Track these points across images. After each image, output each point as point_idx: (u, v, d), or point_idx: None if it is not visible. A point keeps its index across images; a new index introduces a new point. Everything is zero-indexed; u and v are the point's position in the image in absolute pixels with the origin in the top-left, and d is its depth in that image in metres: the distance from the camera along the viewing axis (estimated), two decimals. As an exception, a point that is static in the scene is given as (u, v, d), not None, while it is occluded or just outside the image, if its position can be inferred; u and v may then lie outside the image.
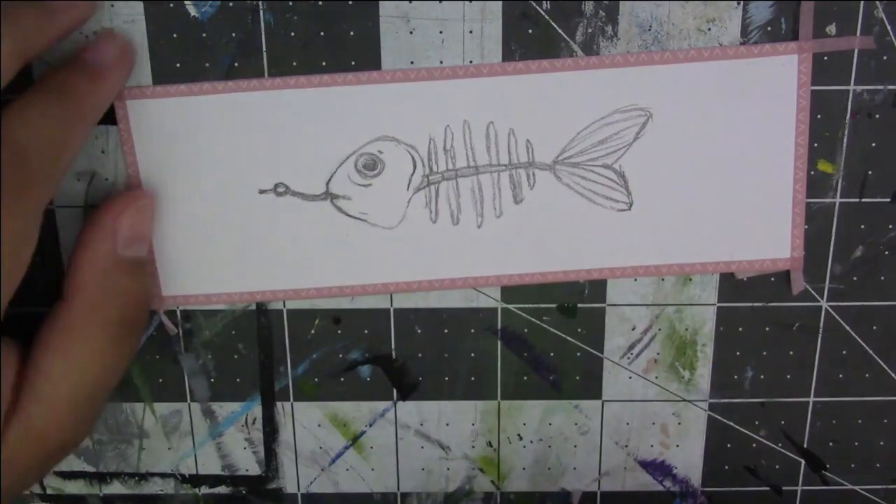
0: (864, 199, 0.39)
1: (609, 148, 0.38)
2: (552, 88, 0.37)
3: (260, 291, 0.40)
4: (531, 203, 0.39)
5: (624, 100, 0.37)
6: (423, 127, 0.37)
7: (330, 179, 0.38)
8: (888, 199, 0.39)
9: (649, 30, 0.37)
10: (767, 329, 0.41)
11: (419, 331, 0.42)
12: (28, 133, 0.31)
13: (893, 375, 0.42)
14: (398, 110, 0.37)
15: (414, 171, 0.38)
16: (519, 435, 0.43)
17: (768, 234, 0.39)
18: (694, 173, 0.38)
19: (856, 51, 0.37)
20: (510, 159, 0.38)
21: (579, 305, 0.41)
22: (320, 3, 0.36)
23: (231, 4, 0.36)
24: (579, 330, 0.41)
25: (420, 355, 0.42)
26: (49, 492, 0.45)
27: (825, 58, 0.37)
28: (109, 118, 0.37)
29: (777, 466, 0.44)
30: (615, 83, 0.37)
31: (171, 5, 0.36)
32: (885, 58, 0.37)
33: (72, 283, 0.35)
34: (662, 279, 0.40)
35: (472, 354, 0.42)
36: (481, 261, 0.39)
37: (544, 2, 0.36)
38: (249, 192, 0.38)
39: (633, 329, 0.41)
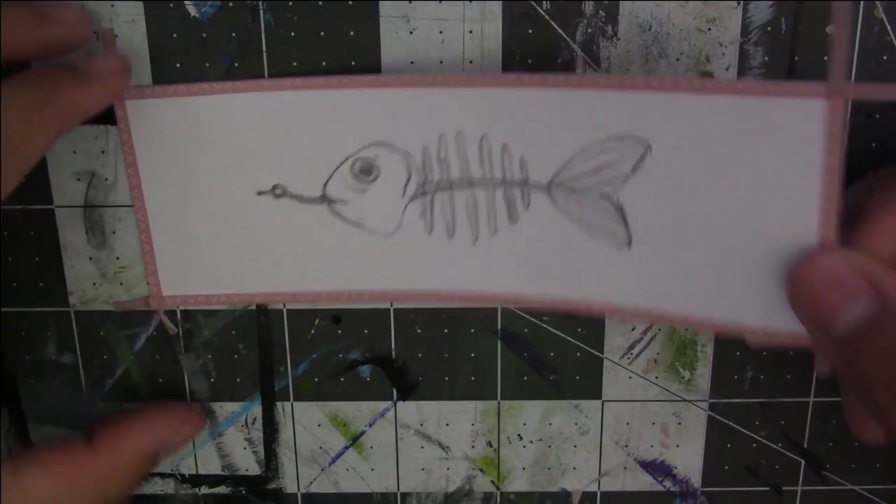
0: (864, 199, 0.39)
1: (605, 176, 0.35)
2: (545, 104, 0.34)
3: (259, 293, 0.40)
4: (527, 224, 0.37)
5: (619, 126, 0.34)
6: (416, 134, 0.36)
7: (327, 182, 0.38)
8: (888, 199, 0.39)
9: (649, 30, 0.36)
10: (767, 329, 0.41)
11: (419, 331, 0.41)
12: None
13: (893, 375, 0.42)
14: (393, 115, 0.36)
15: (409, 179, 0.37)
16: (519, 435, 0.43)
17: (787, 300, 0.32)
18: (699, 217, 0.33)
19: (856, 50, 0.37)
20: (504, 175, 0.36)
21: (579, 305, 0.41)
22: (320, 3, 0.36)
23: (231, 4, 0.36)
24: (579, 330, 0.41)
25: (420, 355, 0.42)
26: (49, 492, 0.45)
27: (824, 58, 0.37)
28: (109, 118, 0.37)
29: (777, 466, 0.44)
30: (610, 106, 0.33)
31: (171, 5, 0.36)
32: (885, 58, 0.37)
33: (107, 444, 0.37)
34: (662, 279, 0.40)
35: (472, 354, 0.42)
36: (477, 277, 0.38)
37: (544, 2, 0.36)
38: (248, 193, 0.38)
39: (633, 329, 0.41)
